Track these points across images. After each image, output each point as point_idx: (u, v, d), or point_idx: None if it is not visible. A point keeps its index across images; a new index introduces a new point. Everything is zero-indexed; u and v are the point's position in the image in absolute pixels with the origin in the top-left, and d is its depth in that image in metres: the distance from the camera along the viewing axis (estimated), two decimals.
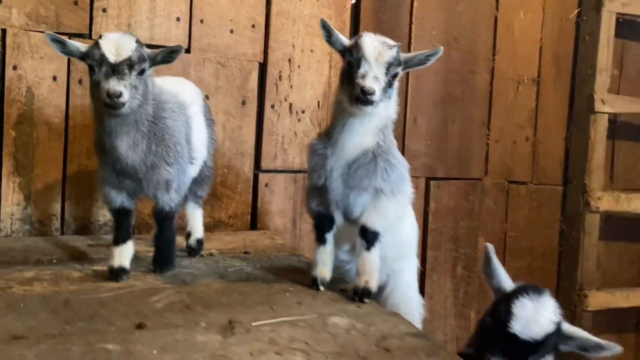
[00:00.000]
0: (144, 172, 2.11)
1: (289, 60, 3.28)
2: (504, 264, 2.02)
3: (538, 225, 3.93)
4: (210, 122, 2.58)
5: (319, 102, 3.33)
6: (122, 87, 1.87)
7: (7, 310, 1.83)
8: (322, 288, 2.18)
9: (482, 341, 1.75)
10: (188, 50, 3.07)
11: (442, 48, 2.08)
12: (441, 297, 3.69)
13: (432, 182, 3.64)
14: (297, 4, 3.26)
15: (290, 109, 3.30)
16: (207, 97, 3.06)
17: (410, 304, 2.37)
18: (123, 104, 1.89)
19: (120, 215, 2.21)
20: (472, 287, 3.78)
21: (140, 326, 1.74)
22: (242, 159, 3.23)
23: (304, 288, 2.20)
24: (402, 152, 3.52)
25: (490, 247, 1.91)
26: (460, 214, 3.72)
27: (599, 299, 3.83)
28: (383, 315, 1.98)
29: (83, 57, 1.94)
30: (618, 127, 4.10)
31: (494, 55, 3.77)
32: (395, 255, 2.31)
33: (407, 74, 3.55)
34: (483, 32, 3.73)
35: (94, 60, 1.90)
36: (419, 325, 2.39)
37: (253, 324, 1.80)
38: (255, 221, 3.28)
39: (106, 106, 1.90)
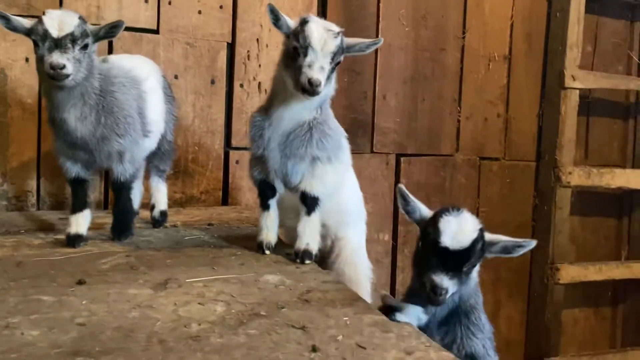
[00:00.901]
0: (95, 144, 2.22)
1: (257, 40, 3.37)
2: None
3: (511, 200, 3.99)
4: (170, 98, 2.68)
5: None
6: (65, 60, 1.98)
7: None
8: (267, 252, 2.28)
9: (420, 265, 1.88)
10: (157, 32, 3.19)
11: (382, 39, 2.18)
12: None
13: (402, 159, 3.72)
14: None
15: (259, 87, 3.39)
16: (176, 77, 3.19)
17: (356, 269, 2.43)
18: (67, 76, 2.00)
19: (77, 185, 2.33)
20: None
21: (80, 282, 1.85)
22: (212, 137, 3.34)
23: (251, 252, 2.30)
24: (372, 129, 3.64)
25: (403, 187, 2.02)
26: (431, 189, 3.79)
27: (570, 272, 3.88)
28: (317, 273, 2.07)
29: (28, 32, 2.05)
30: (592, 103, 4.13)
31: (464, 33, 3.82)
32: (338, 222, 2.39)
33: (376, 50, 3.62)
34: (452, 10, 3.78)
35: (38, 35, 2.00)
36: (367, 289, 2.47)
37: (187, 280, 1.91)
38: (226, 197, 3.40)
39: (50, 78, 2.00)
